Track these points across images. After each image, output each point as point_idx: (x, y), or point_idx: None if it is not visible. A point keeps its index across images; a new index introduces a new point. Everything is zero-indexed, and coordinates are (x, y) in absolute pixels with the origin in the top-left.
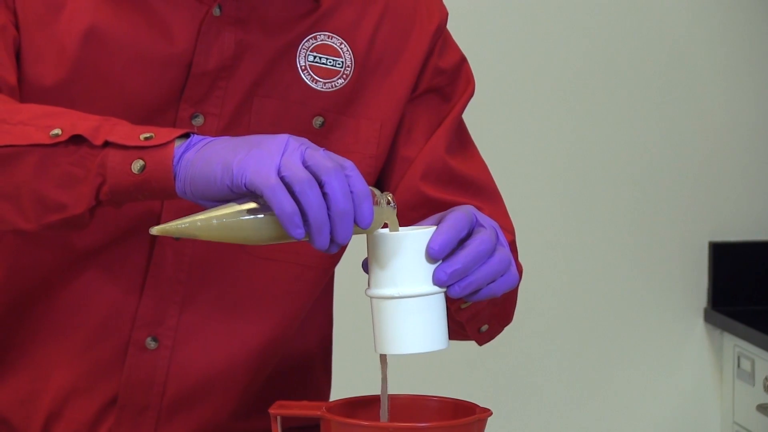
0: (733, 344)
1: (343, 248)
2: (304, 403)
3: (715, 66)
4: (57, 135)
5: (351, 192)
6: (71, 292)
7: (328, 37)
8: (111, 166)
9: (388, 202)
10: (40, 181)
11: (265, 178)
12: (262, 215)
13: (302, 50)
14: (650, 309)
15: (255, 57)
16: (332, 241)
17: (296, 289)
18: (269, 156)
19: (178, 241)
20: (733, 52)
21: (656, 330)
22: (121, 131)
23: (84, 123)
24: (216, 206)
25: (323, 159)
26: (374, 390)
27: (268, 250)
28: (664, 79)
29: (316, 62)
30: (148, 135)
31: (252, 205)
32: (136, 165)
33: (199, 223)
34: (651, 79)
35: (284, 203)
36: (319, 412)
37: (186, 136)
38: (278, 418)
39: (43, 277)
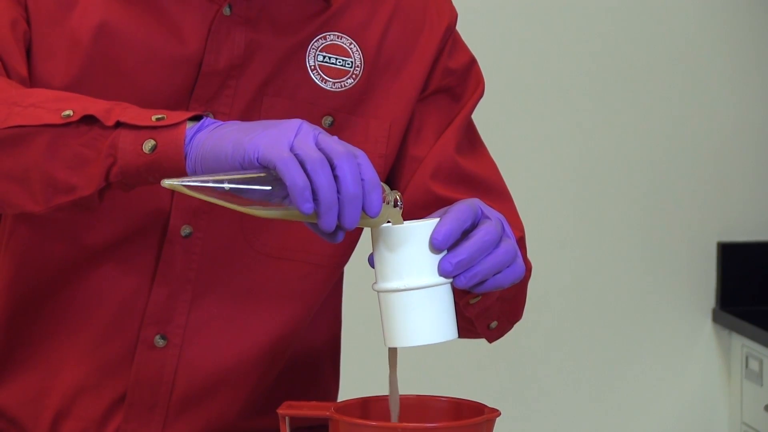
0: (741, 344)
1: (352, 247)
2: (313, 403)
3: (724, 67)
4: (68, 116)
5: (362, 180)
6: (80, 290)
7: (338, 37)
8: (122, 146)
9: (396, 201)
10: (50, 162)
11: (279, 152)
12: (270, 187)
13: (312, 50)
14: (658, 309)
15: (265, 56)
16: (338, 227)
17: (305, 287)
18: (283, 135)
19: (187, 239)
20: (742, 53)
21: (664, 330)
22: (133, 113)
23: (95, 105)
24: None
25: (336, 144)
26: (383, 389)
27: (277, 249)
28: (673, 80)
29: (326, 62)
30: (159, 116)
31: (264, 175)
32: (148, 145)
33: (210, 184)
34: (659, 80)
35: (296, 176)
36: (327, 413)
37: (198, 119)
38: (287, 418)
39: (52, 275)
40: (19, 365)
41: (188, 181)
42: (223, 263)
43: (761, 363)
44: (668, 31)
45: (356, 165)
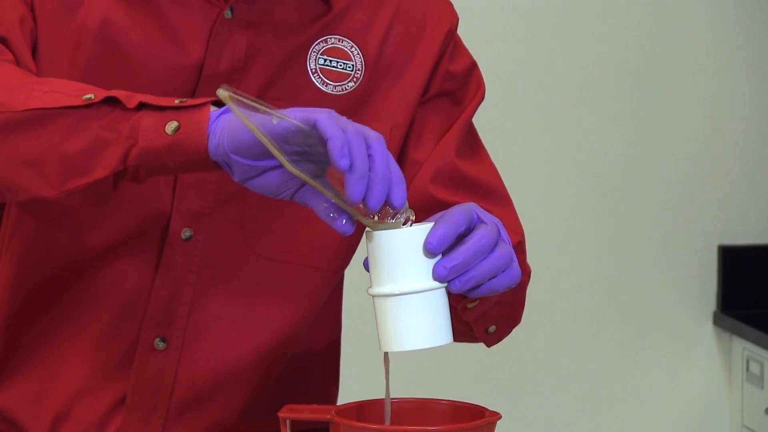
0: (742, 347)
1: (352, 250)
2: (314, 406)
3: (726, 71)
4: (90, 98)
5: (390, 172)
6: (81, 292)
7: (339, 41)
8: (144, 127)
9: (408, 219)
10: (68, 144)
11: (318, 113)
12: (310, 142)
13: (313, 53)
14: (660, 312)
15: (266, 60)
16: (347, 220)
17: (305, 291)
18: (317, 110)
19: (188, 242)
20: (744, 56)
21: (665, 333)
22: (154, 97)
23: (116, 91)
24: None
25: (367, 128)
26: (382, 392)
27: (277, 252)
28: (675, 83)
29: (327, 65)
30: (182, 99)
31: (309, 130)
32: (171, 126)
33: (261, 107)
34: (661, 83)
35: (337, 131)
36: (328, 416)
37: (220, 105)
38: (287, 421)
39: (53, 277)
40: (19, 367)
41: (242, 97)
42: (223, 266)
43: (762, 366)
44: (670, 35)
45: (386, 151)
